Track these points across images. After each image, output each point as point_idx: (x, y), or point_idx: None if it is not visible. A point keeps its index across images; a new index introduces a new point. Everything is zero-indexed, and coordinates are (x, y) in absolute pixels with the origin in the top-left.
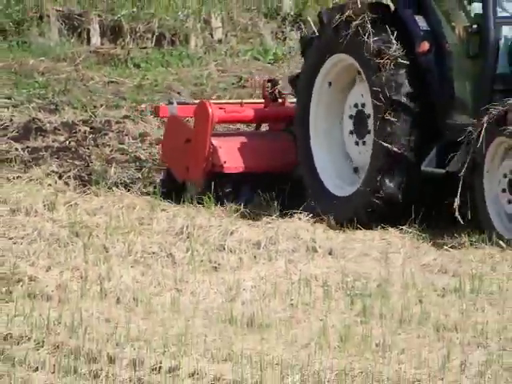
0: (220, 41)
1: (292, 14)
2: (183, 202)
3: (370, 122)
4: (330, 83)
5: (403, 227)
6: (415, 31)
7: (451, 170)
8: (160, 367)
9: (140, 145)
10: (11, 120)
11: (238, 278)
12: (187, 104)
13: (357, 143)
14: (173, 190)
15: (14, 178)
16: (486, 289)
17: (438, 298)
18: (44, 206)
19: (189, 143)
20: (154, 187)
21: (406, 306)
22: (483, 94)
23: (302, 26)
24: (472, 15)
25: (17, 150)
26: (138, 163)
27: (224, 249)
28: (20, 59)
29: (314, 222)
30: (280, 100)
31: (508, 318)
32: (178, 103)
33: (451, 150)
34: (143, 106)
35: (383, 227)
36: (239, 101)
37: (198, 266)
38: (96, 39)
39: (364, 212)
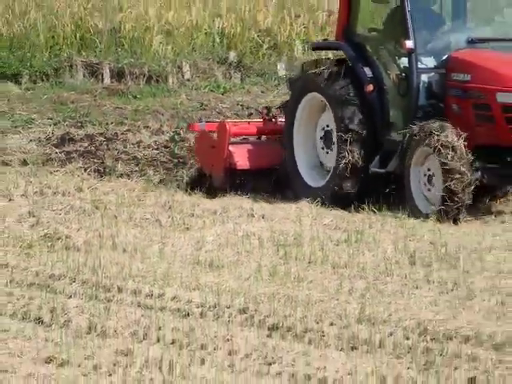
0: (188, 79)
1: (235, 61)
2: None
3: (334, 137)
4: (307, 110)
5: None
6: (364, 78)
7: (390, 169)
8: (152, 294)
9: (137, 149)
10: (52, 133)
11: (202, 235)
12: (212, 122)
13: (325, 151)
14: (201, 180)
15: (54, 172)
16: (365, 239)
17: (334, 246)
18: (74, 189)
19: (214, 148)
20: (148, 176)
21: (313, 251)
22: (409, 119)
23: (242, 69)
24: (401, 67)
25: (56, 153)
26: (135, 161)
27: (193, 215)
28: (58, 93)
29: (254, 198)
30: (273, 120)
31: (380, 258)
32: (206, 121)
33: (389, 156)
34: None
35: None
36: (247, 120)
37: (176, 227)
38: (107, 79)
39: (329, 198)
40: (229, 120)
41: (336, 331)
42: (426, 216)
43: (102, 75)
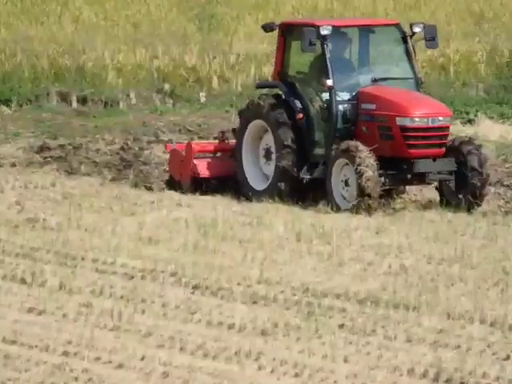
0: (134, 104)
1: (168, 91)
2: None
3: (273, 153)
4: (252, 133)
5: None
6: (295, 108)
7: (316, 175)
8: (106, 262)
9: (96, 154)
10: (34, 143)
11: (143, 219)
12: (181, 143)
13: (267, 163)
14: (172, 185)
15: (35, 172)
16: (264, 222)
17: (240, 227)
18: (50, 184)
19: (182, 162)
20: (103, 175)
21: (225, 231)
22: (329, 139)
23: (174, 97)
24: (323, 100)
25: (37, 158)
26: (95, 164)
27: (136, 204)
28: (38, 114)
29: (183, 193)
30: (226, 141)
31: (274, 235)
32: (176, 143)
33: (315, 165)
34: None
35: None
36: (207, 141)
37: (124, 212)
38: (74, 104)
39: (269, 198)
40: (193, 141)
41: (242, 289)
42: (341, 209)
43: (71, 101)
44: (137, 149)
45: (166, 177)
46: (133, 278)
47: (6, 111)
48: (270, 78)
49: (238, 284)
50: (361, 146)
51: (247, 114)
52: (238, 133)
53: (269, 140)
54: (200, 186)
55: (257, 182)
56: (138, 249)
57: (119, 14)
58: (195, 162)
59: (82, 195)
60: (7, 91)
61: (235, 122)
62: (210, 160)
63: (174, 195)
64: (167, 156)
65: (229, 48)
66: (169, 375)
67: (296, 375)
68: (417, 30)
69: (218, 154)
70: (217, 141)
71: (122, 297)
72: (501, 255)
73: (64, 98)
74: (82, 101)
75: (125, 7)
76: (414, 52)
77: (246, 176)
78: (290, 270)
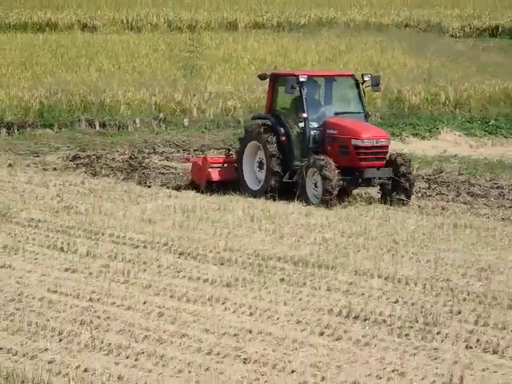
0: (139, 127)
1: (162, 118)
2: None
3: (264, 164)
4: (249, 151)
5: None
6: (280, 133)
7: (294, 180)
8: (119, 236)
9: (112, 162)
10: (69, 154)
11: (145, 206)
12: (198, 157)
13: (259, 171)
14: (193, 185)
15: (70, 174)
16: (228, 208)
17: (212, 211)
18: (80, 182)
19: (199, 170)
20: (117, 176)
21: (201, 215)
22: (304, 154)
23: (166, 122)
24: (300, 127)
25: (71, 164)
26: (111, 168)
27: (140, 196)
28: (72, 134)
29: (167, 188)
30: (231, 156)
31: (235, 217)
32: (196, 156)
33: (294, 172)
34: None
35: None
36: (218, 156)
37: (132, 202)
38: (97, 127)
39: (261, 195)
40: (208, 155)
41: (213, 255)
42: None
43: (95, 125)
44: (140, 158)
45: (161, 177)
46: (137, 247)
47: (50, 132)
48: (239, 110)
49: (210, 251)
50: (326, 160)
51: (246, 138)
52: (239, 150)
53: (261, 155)
54: (211, 186)
55: (252, 184)
56: (141, 227)
57: (129, 65)
58: (209, 170)
59: (102, 190)
60: (51, 118)
61: (208, 139)
62: (219, 169)
63: (166, 190)
64: (169, 163)
65: (204, 88)
66: (163, 315)
67: (250, 314)
68: (366, 78)
69: (225, 165)
70: (224, 156)
71: (129, 260)
72: (392, 231)
73: (90, 123)
74: (103, 125)
75: (133, 60)
76: (364, 94)
77: (245, 180)
78: (246, 242)
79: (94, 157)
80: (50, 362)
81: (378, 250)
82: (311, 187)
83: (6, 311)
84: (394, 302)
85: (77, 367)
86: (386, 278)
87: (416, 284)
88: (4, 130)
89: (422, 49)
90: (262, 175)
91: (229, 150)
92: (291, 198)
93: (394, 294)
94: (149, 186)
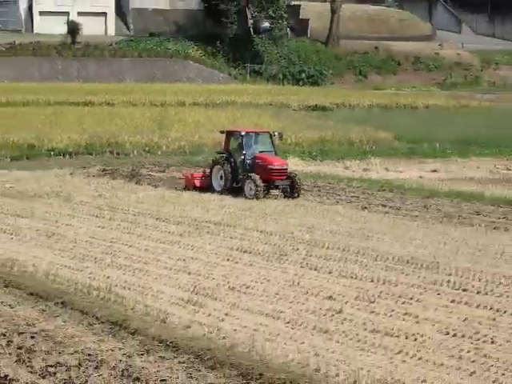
0: (140, 155)
1: (160, 154)
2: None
3: (223, 177)
4: (216, 170)
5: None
6: (231, 161)
7: (239, 185)
8: (129, 212)
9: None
10: (103, 169)
11: (141, 194)
12: (188, 172)
13: (221, 181)
14: (187, 189)
15: (99, 178)
16: (190, 197)
17: (174, 198)
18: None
19: (189, 180)
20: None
21: (176, 200)
22: (244, 172)
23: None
24: (241, 158)
25: (104, 173)
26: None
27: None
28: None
29: (152, 186)
30: (205, 172)
31: (192, 201)
32: (187, 172)
33: (238, 181)
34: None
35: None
36: (199, 172)
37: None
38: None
39: (223, 193)
40: (194, 172)
41: (173, 219)
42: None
43: (113, 153)
44: (137, 170)
45: (147, 180)
46: (135, 215)
47: (90, 157)
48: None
49: (172, 217)
50: (255, 176)
51: (213, 164)
52: (210, 170)
53: (221, 172)
54: (196, 189)
55: (217, 187)
56: (136, 205)
57: (131, 123)
58: (195, 180)
59: (117, 186)
60: (91, 150)
61: (171, 161)
62: (200, 180)
63: (150, 187)
64: (153, 173)
65: (169, 135)
66: (148, 249)
67: (192, 249)
68: (275, 133)
69: (203, 178)
70: (203, 172)
71: (131, 222)
72: (266, 208)
73: (111, 152)
74: (117, 153)
75: (132, 120)
76: (273, 141)
77: (213, 185)
78: (191, 212)
79: (113, 170)
80: (90, 273)
81: (256, 217)
82: (248, 189)
83: (72, 248)
84: (262, 243)
85: (104, 276)
86: (261, 232)
87: (275, 235)
88: (67, 156)
89: (279, 117)
90: (222, 183)
91: (204, 170)
92: (239, 196)
93: (259, 241)
94: (141, 185)
